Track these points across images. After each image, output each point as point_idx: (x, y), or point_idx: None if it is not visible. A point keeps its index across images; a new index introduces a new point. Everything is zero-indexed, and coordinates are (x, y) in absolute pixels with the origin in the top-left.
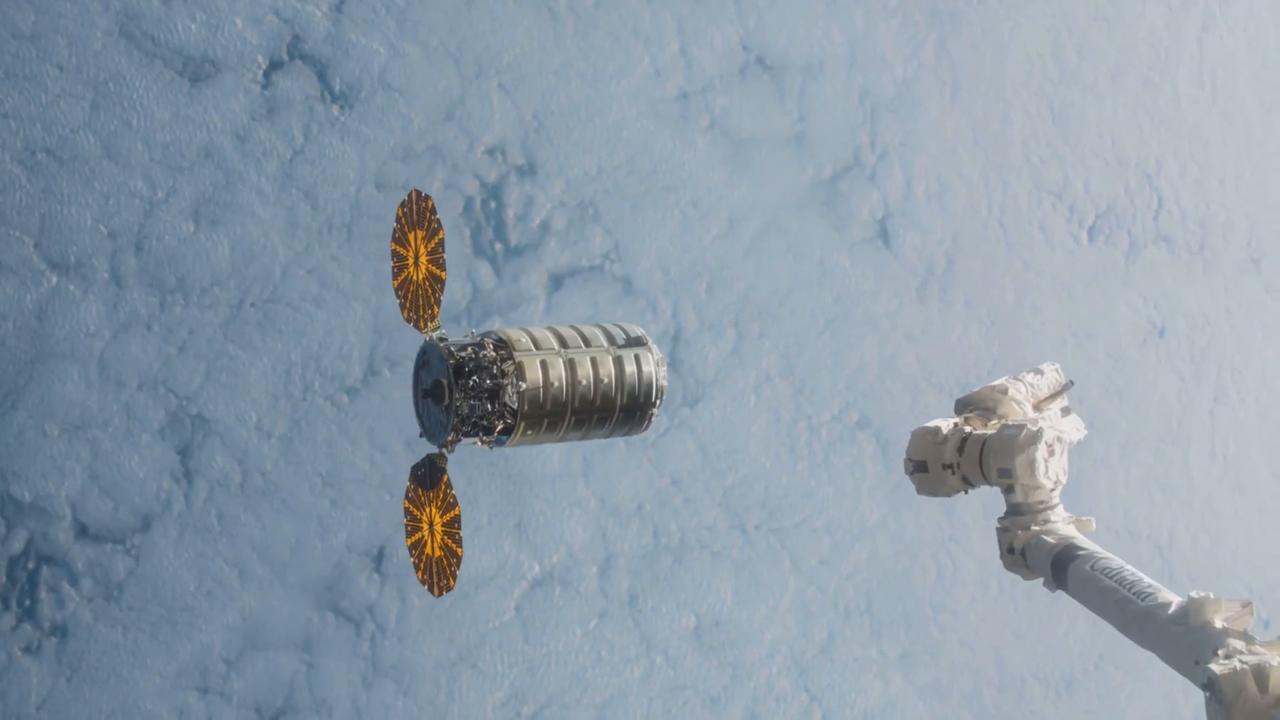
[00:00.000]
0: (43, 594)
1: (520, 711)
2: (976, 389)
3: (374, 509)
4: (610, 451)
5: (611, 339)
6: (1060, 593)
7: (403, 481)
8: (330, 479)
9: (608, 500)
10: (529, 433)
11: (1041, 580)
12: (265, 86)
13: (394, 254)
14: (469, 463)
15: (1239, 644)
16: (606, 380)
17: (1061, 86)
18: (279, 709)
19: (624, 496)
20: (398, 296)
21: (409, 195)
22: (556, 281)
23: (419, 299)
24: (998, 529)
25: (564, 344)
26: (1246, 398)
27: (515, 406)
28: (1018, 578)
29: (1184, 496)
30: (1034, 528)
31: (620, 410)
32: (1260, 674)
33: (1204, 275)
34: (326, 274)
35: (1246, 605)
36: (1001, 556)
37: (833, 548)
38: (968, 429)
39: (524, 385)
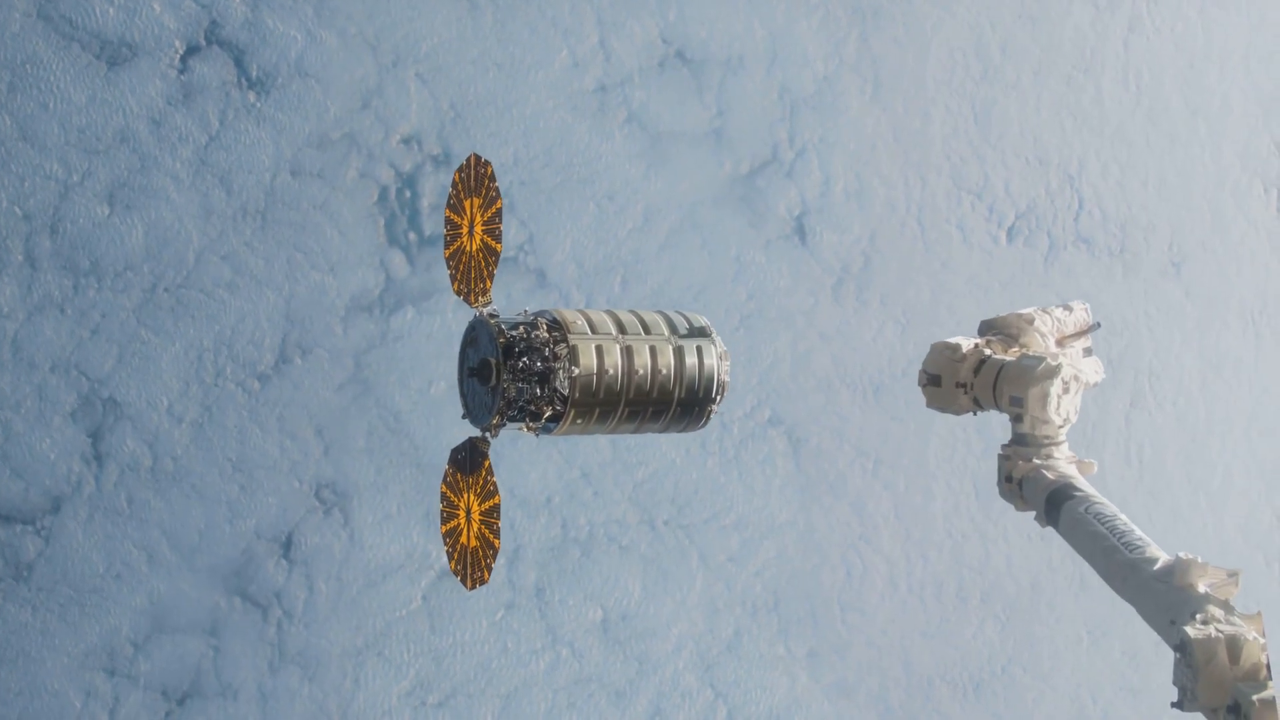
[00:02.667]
0: None
1: (425, 701)
2: (1004, 314)
3: (283, 496)
4: (520, 443)
5: (673, 327)
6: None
7: (313, 469)
8: (240, 465)
9: (517, 492)
10: (578, 422)
11: (1034, 515)
12: (182, 71)
13: (447, 221)
14: (378, 451)
15: (1218, 611)
16: (665, 371)
17: (984, 85)
18: (185, 692)
19: (533, 488)
20: (448, 267)
21: (467, 160)
22: None
23: (470, 271)
24: (1000, 455)
25: (622, 329)
26: (1164, 404)
27: (566, 393)
28: (924, 580)
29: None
30: (1035, 460)
31: (677, 405)
32: (1234, 645)
33: (1124, 278)
34: (240, 260)
35: (1233, 575)
36: (998, 483)
37: (741, 544)
38: (987, 351)
39: (577, 371)
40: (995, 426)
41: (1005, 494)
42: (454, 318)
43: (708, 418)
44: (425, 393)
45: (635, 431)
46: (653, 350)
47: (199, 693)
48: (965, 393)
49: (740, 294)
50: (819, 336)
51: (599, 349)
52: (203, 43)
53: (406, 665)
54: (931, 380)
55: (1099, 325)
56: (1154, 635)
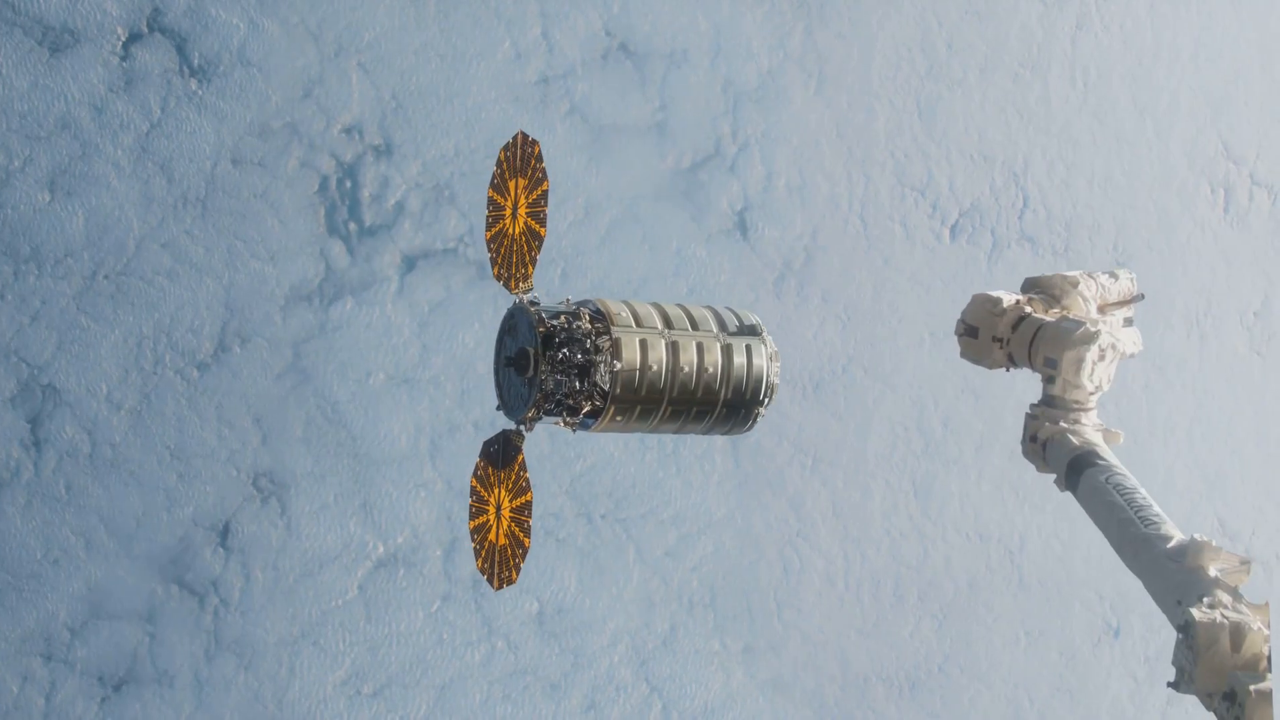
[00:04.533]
0: None
1: (360, 690)
2: (1050, 274)
3: (221, 484)
4: (458, 434)
5: (723, 324)
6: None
7: (250, 458)
8: (178, 453)
9: (454, 483)
10: (618, 419)
11: (1053, 478)
12: (124, 58)
13: (490, 202)
14: (316, 441)
15: (1226, 597)
16: (711, 370)
17: (929, 80)
18: (121, 678)
19: (470, 480)
20: (489, 249)
21: (514, 138)
22: (410, 263)
23: (512, 255)
24: (1027, 414)
25: (669, 323)
26: (1104, 404)
27: (607, 388)
28: (862, 578)
29: (1036, 500)
30: (1062, 424)
31: (723, 405)
32: (1238, 633)
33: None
34: (180, 248)
35: (1245, 563)
36: (1022, 442)
37: (679, 539)
38: (1028, 309)
39: (619, 365)
40: (935, 425)
41: (1027, 453)
42: (393, 308)
43: (754, 421)
44: (364, 383)
45: (677, 432)
46: (699, 347)
47: (135, 679)
48: (1000, 347)
49: (681, 288)
50: None
51: (643, 343)
52: (145, 30)
53: (342, 655)
54: (969, 331)
55: (1143, 297)
56: (1090, 638)
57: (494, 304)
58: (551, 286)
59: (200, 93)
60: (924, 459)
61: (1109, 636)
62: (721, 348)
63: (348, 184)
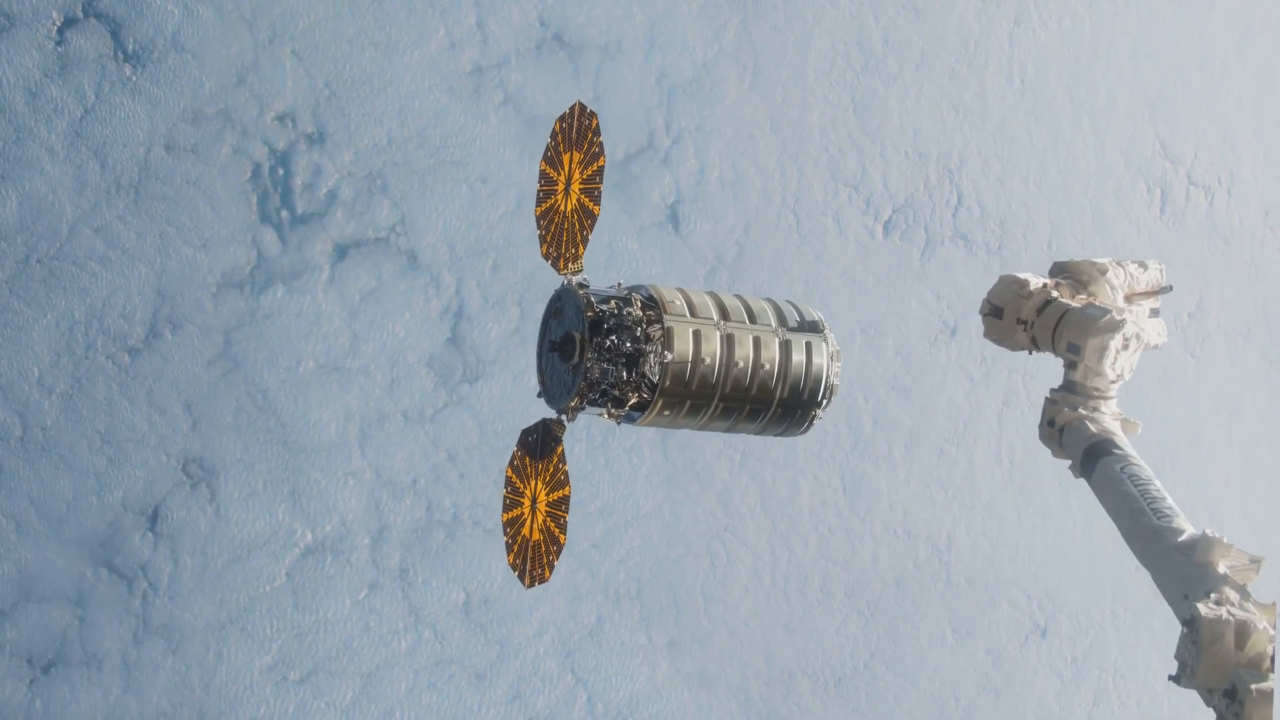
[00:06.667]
0: None
1: (287, 676)
2: (1078, 259)
3: (151, 469)
4: (387, 423)
5: (782, 318)
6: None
7: (180, 444)
8: (109, 437)
9: (383, 472)
10: (666, 413)
11: (1069, 464)
12: (59, 43)
13: (542, 175)
14: (246, 428)
15: (1233, 594)
16: (768, 366)
17: (865, 76)
18: (50, 660)
19: (399, 470)
20: (538, 226)
21: (570, 108)
22: (341, 252)
23: (562, 234)
24: (1047, 399)
25: (725, 315)
26: (1036, 403)
27: (656, 380)
28: (789, 574)
29: (965, 498)
30: (1081, 411)
31: (778, 405)
32: (1243, 631)
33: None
34: (113, 234)
35: (1255, 561)
36: (1040, 426)
37: (606, 532)
38: (1054, 294)
39: (670, 356)
40: (864, 422)
41: (1044, 438)
42: (324, 297)
43: (811, 423)
44: (294, 371)
45: (728, 430)
46: (756, 341)
47: (64, 661)
48: (1024, 330)
49: (612, 281)
50: None
51: (696, 334)
52: (80, 15)
53: (269, 641)
54: (994, 311)
55: (1170, 288)
56: (1017, 638)
57: (424, 294)
58: (482, 277)
59: (134, 78)
60: (853, 455)
61: (1036, 636)
62: (780, 343)
63: (280, 172)
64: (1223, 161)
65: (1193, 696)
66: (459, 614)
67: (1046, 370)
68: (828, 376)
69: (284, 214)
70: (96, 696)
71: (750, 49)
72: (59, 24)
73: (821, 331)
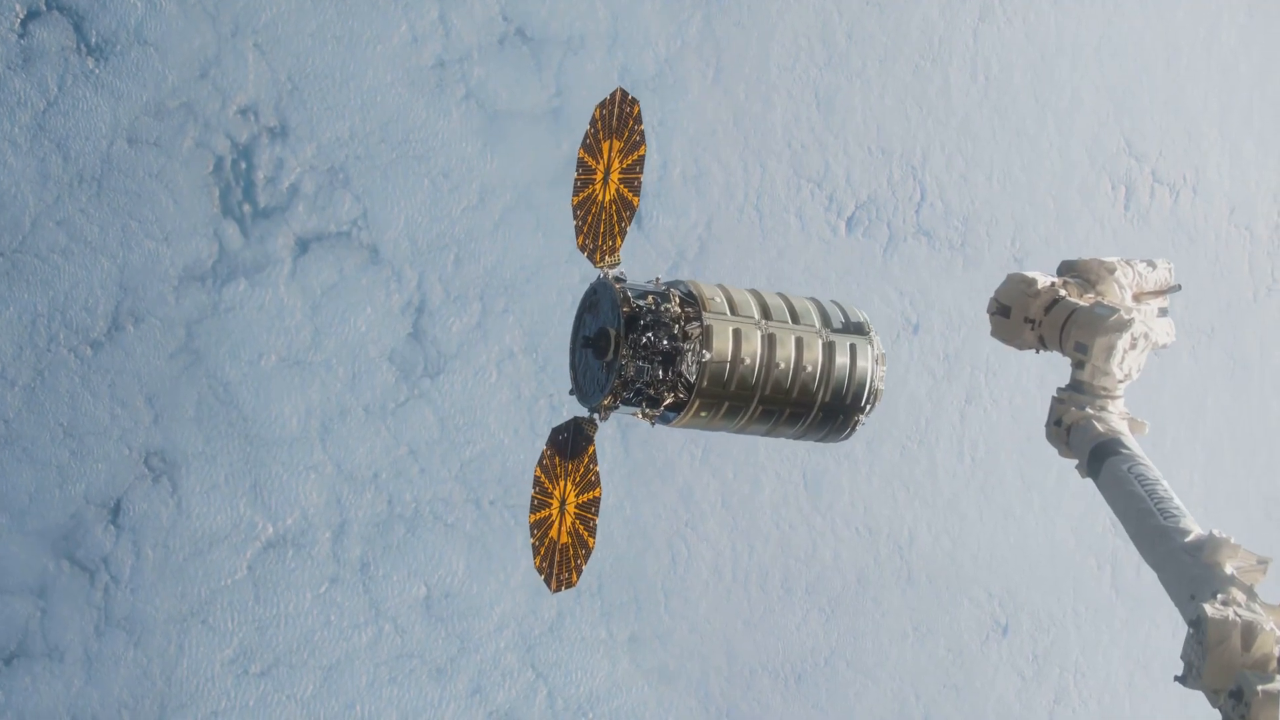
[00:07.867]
0: None
1: (248, 669)
2: (1086, 258)
3: (113, 462)
4: (348, 417)
5: (826, 319)
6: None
7: (142, 437)
8: (71, 430)
9: (344, 466)
10: (702, 414)
11: (1075, 464)
12: (22, 35)
13: (580, 164)
14: (207, 421)
15: (1240, 595)
16: (810, 369)
17: (828, 71)
18: (12, 652)
19: (360, 463)
20: (575, 216)
21: (611, 95)
22: (303, 246)
23: (600, 224)
24: (1054, 398)
25: (766, 314)
26: (999, 401)
27: (693, 380)
28: (750, 570)
29: (927, 495)
30: (1088, 410)
31: (820, 409)
32: (1249, 632)
33: (964, 272)
34: (75, 226)
35: (1263, 562)
36: (1046, 425)
37: None
38: (1062, 292)
39: (708, 355)
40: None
41: (1051, 437)
42: (286, 291)
43: (853, 429)
44: (256, 365)
45: (767, 434)
46: (799, 342)
47: (25, 653)
48: (1032, 329)
49: (573, 276)
50: None
51: (736, 333)
52: (43, 7)
53: (230, 634)
54: (1001, 310)
55: (1179, 288)
56: (978, 635)
57: (386, 288)
58: (444, 272)
59: (97, 71)
60: (814, 451)
61: (997, 634)
62: (823, 345)
63: (242, 165)
64: (1188, 159)
65: (1152, 696)
66: (420, 608)
67: (1009, 369)
68: (872, 381)
69: (246, 208)
70: (58, 688)
71: (713, 44)
72: (22, 16)
73: (867, 334)
